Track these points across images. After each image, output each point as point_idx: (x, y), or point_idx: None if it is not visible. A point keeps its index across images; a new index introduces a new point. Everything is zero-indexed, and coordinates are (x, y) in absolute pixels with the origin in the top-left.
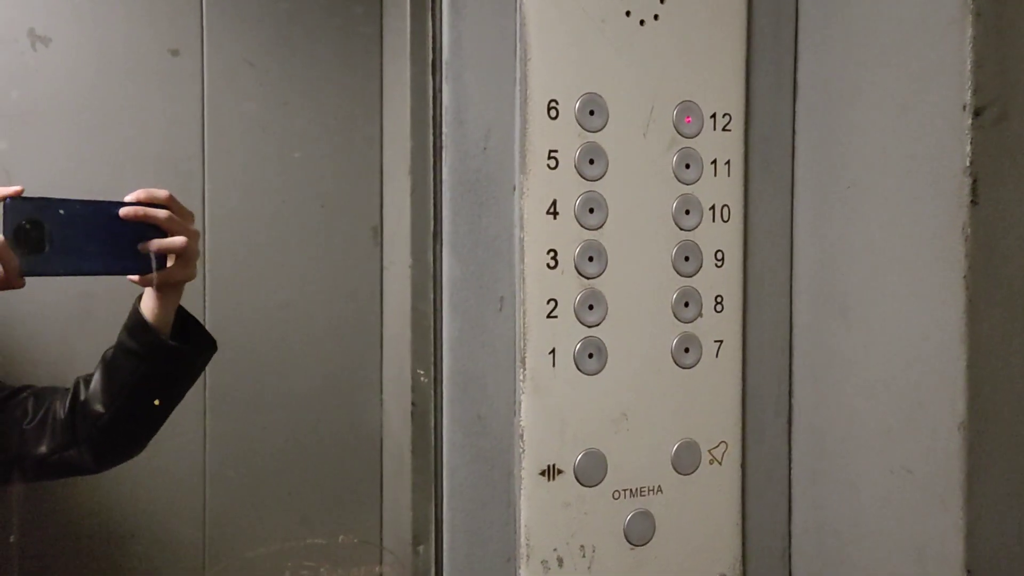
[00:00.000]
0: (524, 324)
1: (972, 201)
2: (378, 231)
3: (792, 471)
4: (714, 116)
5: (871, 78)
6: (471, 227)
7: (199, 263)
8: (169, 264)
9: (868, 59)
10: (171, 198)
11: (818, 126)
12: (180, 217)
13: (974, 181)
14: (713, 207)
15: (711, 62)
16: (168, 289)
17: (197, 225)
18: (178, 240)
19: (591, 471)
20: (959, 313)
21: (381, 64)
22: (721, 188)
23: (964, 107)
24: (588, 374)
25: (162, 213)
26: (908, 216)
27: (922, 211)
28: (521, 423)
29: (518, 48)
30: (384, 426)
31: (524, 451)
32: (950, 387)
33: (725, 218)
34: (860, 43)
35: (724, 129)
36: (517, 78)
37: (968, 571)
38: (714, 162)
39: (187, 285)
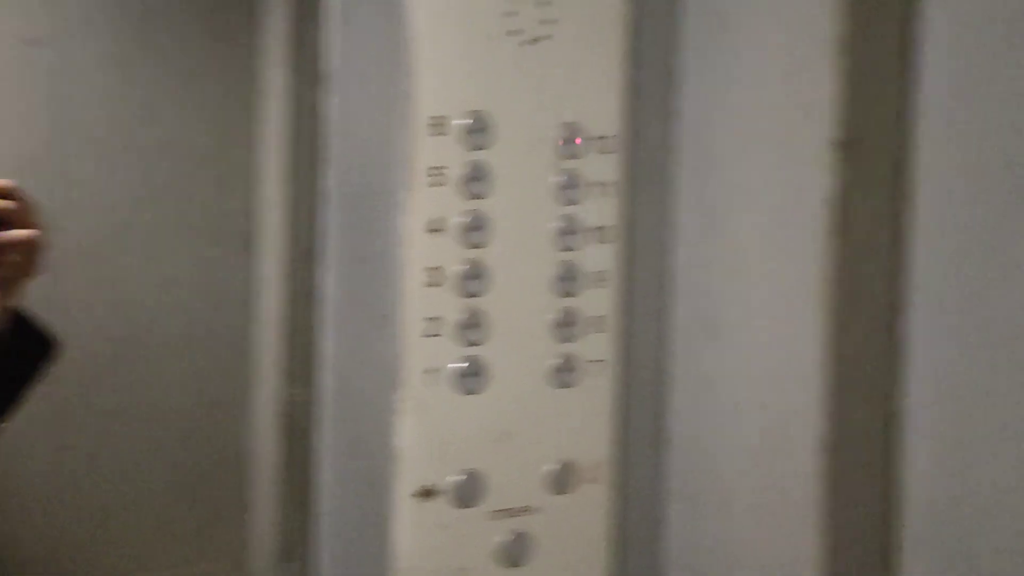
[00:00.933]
0: (404, 343)
1: (834, 232)
2: (249, 241)
3: (667, 492)
4: (597, 138)
5: (745, 109)
6: (353, 243)
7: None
8: (10, 258)
9: (741, 89)
10: (15, 189)
11: (698, 152)
12: (24, 210)
13: (835, 211)
14: (595, 229)
15: (596, 85)
16: (8, 284)
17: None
18: (21, 234)
19: (469, 492)
20: (820, 338)
21: (255, 72)
22: (603, 210)
23: (828, 140)
24: (468, 394)
25: (3, 204)
26: (775, 244)
27: (788, 239)
28: (398, 444)
29: (404, 63)
30: (253, 444)
31: (400, 472)
32: (812, 409)
33: (606, 240)
34: (736, 75)
35: (606, 151)
36: (404, 93)
37: None
38: (596, 184)
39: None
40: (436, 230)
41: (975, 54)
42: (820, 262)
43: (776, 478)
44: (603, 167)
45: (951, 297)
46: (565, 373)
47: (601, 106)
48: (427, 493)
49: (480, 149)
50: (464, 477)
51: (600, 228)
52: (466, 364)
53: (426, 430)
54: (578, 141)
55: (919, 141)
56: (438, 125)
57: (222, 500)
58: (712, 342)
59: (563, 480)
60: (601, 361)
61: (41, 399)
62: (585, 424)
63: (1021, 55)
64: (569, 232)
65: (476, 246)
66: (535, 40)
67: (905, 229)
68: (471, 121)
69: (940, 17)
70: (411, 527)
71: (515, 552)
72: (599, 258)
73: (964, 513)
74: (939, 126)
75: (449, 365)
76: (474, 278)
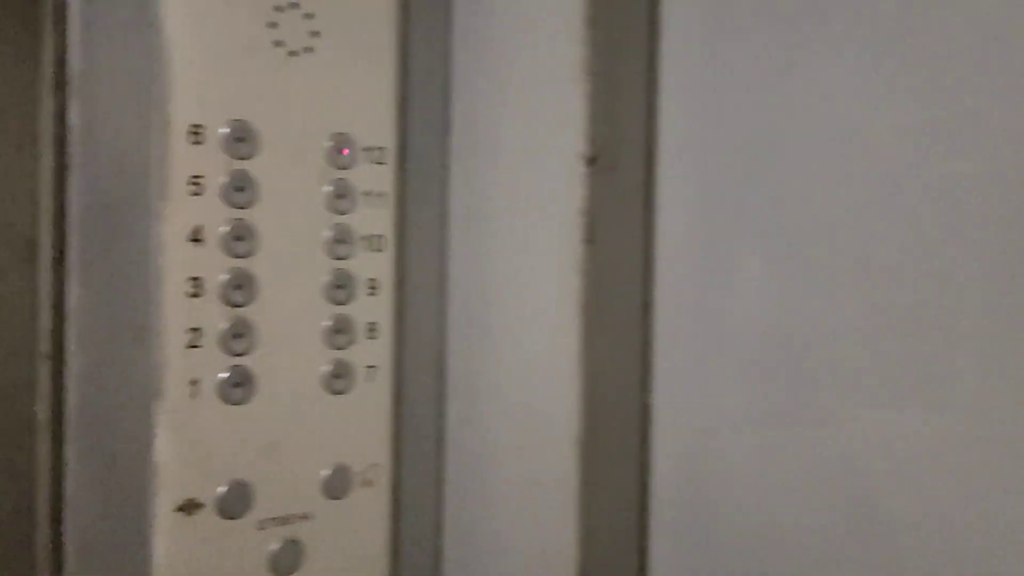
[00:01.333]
0: (163, 355)
1: (587, 240)
2: (35, 251)
3: (443, 491)
4: (368, 149)
5: (507, 124)
6: (103, 253)
7: None
8: None
9: (504, 106)
10: None
11: (467, 163)
12: None
13: (588, 222)
14: (367, 238)
15: (365, 97)
16: None
17: None
18: None
19: (235, 503)
20: (575, 339)
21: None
22: (375, 220)
23: (580, 156)
24: (234, 404)
25: None
26: (537, 252)
27: (548, 248)
28: (156, 459)
29: (158, 69)
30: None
31: (160, 487)
32: (568, 406)
33: (379, 248)
34: (498, 92)
35: (378, 162)
36: (159, 100)
37: (582, 570)
38: (368, 194)
39: None
40: (197, 240)
41: (707, 78)
42: (576, 270)
43: (537, 473)
44: (375, 177)
45: (689, 301)
46: (338, 380)
47: (372, 117)
48: (190, 506)
49: (243, 159)
50: (230, 488)
51: (373, 237)
52: (231, 375)
53: (189, 442)
54: (345, 152)
55: (661, 157)
56: (198, 134)
57: None
58: (484, 346)
59: (337, 485)
60: (375, 367)
61: None
62: (360, 429)
63: (739, 89)
64: (341, 241)
65: (241, 256)
66: (301, 51)
67: (651, 238)
68: (233, 130)
69: (677, 42)
70: (173, 542)
71: (287, 560)
72: (372, 266)
73: (704, 498)
74: (677, 144)
75: (213, 376)
76: (239, 288)
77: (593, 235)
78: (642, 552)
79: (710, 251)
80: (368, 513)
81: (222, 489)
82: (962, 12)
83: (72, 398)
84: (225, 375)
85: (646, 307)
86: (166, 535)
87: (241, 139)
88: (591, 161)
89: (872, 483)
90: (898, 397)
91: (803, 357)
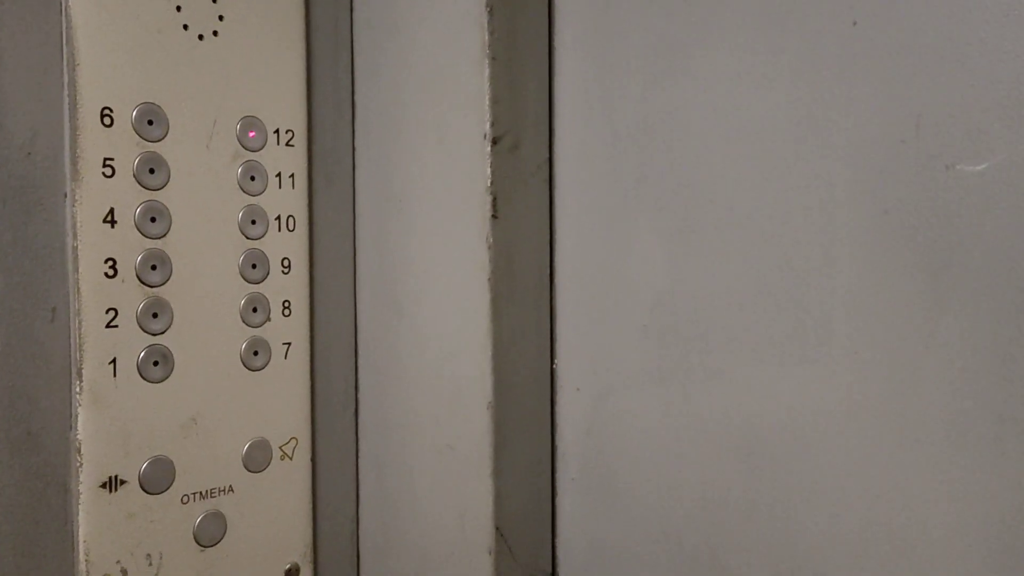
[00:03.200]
0: (81, 335)
1: (493, 216)
2: None
3: (359, 460)
4: (277, 131)
5: (413, 106)
6: (16, 236)
7: None
8: None
9: (410, 89)
10: None
11: (374, 145)
12: None
13: (494, 199)
14: (279, 217)
15: (273, 80)
16: None
17: None
18: None
19: (157, 478)
20: (486, 310)
21: None
22: (286, 200)
23: (485, 136)
24: (153, 382)
25: None
26: (446, 228)
27: (456, 224)
28: (78, 436)
29: (66, 52)
30: None
31: (82, 465)
32: (480, 373)
33: (291, 228)
34: (403, 75)
35: (288, 144)
36: (66, 83)
37: (497, 528)
38: (279, 175)
39: None
40: (111, 221)
41: (602, 60)
42: (483, 244)
43: (451, 438)
44: (285, 159)
45: (588, 271)
46: (255, 356)
47: (281, 101)
48: (113, 483)
49: (155, 141)
50: (152, 464)
51: (285, 217)
52: (149, 353)
53: (110, 420)
54: (252, 134)
55: (560, 136)
56: (108, 116)
57: None
58: (395, 320)
59: (257, 459)
60: (290, 343)
61: None
62: (278, 403)
63: (631, 70)
64: (254, 221)
65: (155, 236)
66: (208, 34)
67: (552, 212)
68: (143, 113)
69: (572, 26)
70: (97, 519)
71: (209, 532)
72: (285, 246)
73: (607, 454)
74: (574, 123)
75: (132, 355)
76: (154, 268)
77: (499, 211)
78: (553, 507)
79: (606, 223)
80: (288, 485)
81: (144, 465)
82: None
83: None
84: (144, 353)
85: (550, 277)
86: (90, 512)
87: (152, 121)
88: (495, 141)
89: (759, 433)
90: (779, 353)
91: (693, 320)
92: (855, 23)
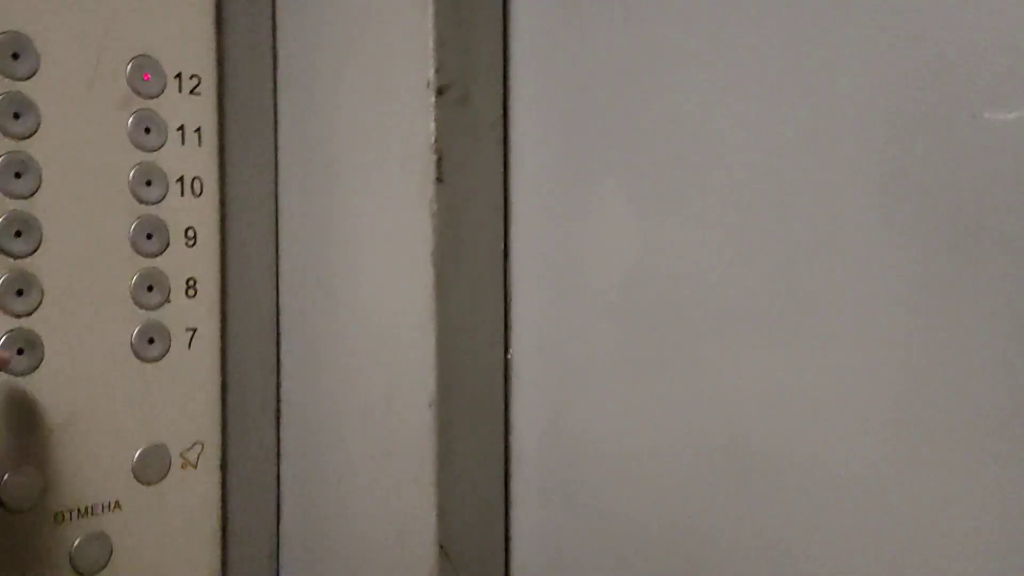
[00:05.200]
0: None
1: (438, 178)
2: None
3: (280, 468)
4: (179, 76)
5: (345, 50)
6: None
7: None
8: None
9: (342, 28)
10: None
11: (299, 98)
12: None
13: (439, 159)
14: (181, 179)
15: (173, 15)
16: None
17: None
18: None
19: (22, 492)
20: (428, 290)
21: None
22: (191, 158)
23: (428, 85)
24: (18, 375)
25: None
26: (383, 194)
27: (394, 188)
28: None
29: None
30: None
31: None
32: (422, 365)
33: (196, 192)
34: (336, 14)
35: (192, 92)
36: None
37: (440, 546)
38: (180, 128)
39: None
40: None
41: (562, 10)
42: (426, 212)
43: (387, 442)
44: (189, 109)
45: (548, 244)
46: (150, 345)
47: (184, 40)
48: None
49: (20, 79)
50: (15, 475)
51: (189, 179)
52: (10, 339)
53: None
54: (147, 77)
55: (515, 88)
56: None
57: None
58: (324, 302)
59: (151, 468)
60: (195, 329)
61: None
62: (180, 401)
63: (603, 11)
64: (148, 183)
65: (19, 196)
66: None
67: (507, 176)
68: (6, 43)
69: None
70: None
71: (90, 558)
72: (188, 213)
73: (573, 457)
74: (533, 73)
75: None
76: (18, 235)
77: (444, 173)
78: (507, 521)
79: (570, 189)
80: (190, 499)
81: (5, 477)
82: None
83: None
84: (4, 339)
85: (504, 252)
86: None
87: (16, 55)
88: (440, 91)
89: (747, 425)
90: (772, 339)
91: (669, 298)
92: None
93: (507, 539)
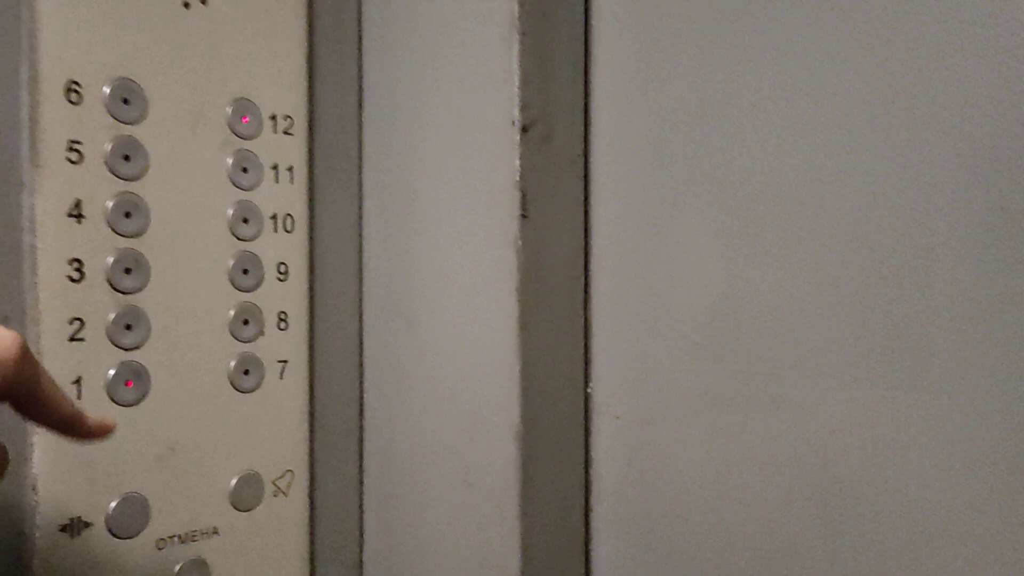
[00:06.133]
0: (38, 349)
1: (522, 214)
2: None
3: (363, 497)
4: (274, 117)
5: (430, 90)
6: None
7: None
8: None
9: (427, 71)
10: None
11: (384, 135)
12: None
13: (523, 195)
14: (275, 216)
15: (269, 59)
16: None
17: None
18: None
19: (128, 520)
20: (513, 323)
21: None
22: (283, 195)
23: (513, 123)
24: (125, 405)
25: None
26: (466, 229)
27: (478, 224)
28: (34, 472)
29: (25, 15)
30: None
31: (38, 505)
32: (505, 396)
33: (288, 228)
34: (419, 53)
35: (286, 132)
36: (24, 52)
37: None
38: (275, 167)
39: None
40: (78, 215)
41: (646, 39)
42: (511, 247)
43: (469, 471)
44: (283, 149)
45: (630, 279)
46: (246, 376)
47: (278, 83)
48: (76, 526)
49: (131, 123)
50: (122, 503)
51: (282, 215)
52: (121, 371)
53: (72, 452)
54: (245, 119)
55: (597, 125)
56: (76, 92)
57: None
58: (406, 335)
59: (246, 496)
60: (286, 361)
61: None
62: (272, 431)
63: (683, 47)
64: (244, 220)
65: (130, 235)
66: (196, 2)
67: (588, 211)
68: (118, 90)
69: (610, 4)
70: (56, 567)
71: None
72: (281, 249)
73: (652, 492)
74: (615, 111)
75: (100, 373)
76: (128, 272)
77: (529, 209)
78: (587, 553)
79: (652, 225)
80: (282, 526)
81: (113, 504)
82: None
83: None
84: (114, 371)
85: (585, 287)
86: (48, 560)
87: (127, 100)
88: (525, 129)
89: (839, 469)
90: (865, 377)
91: (756, 336)
92: None
93: (587, 571)
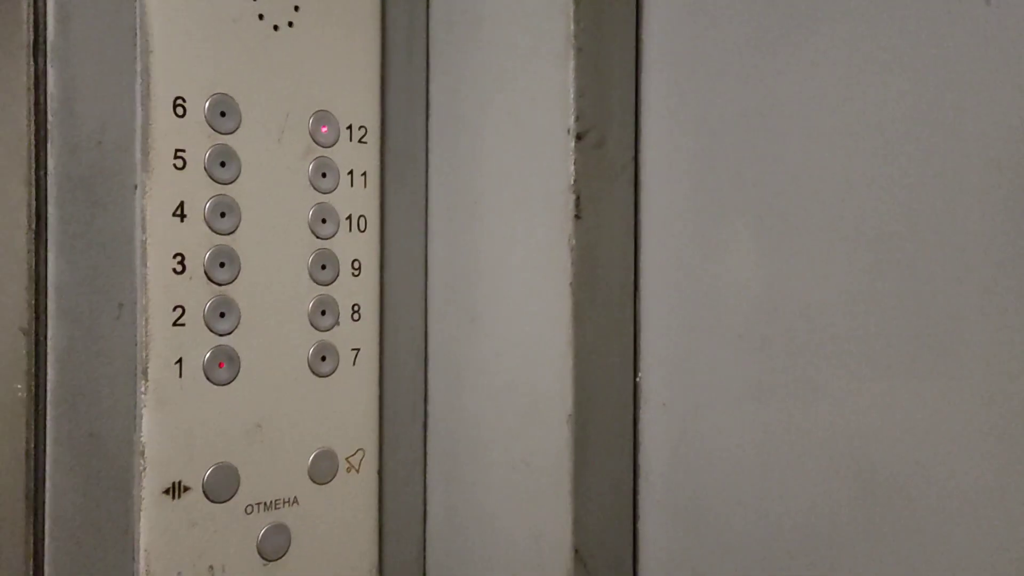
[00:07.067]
0: (147, 333)
1: (576, 216)
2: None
3: (427, 475)
4: (350, 127)
5: (491, 101)
6: (84, 227)
7: None
8: None
9: (488, 83)
10: None
11: (448, 142)
12: None
13: (577, 198)
14: (350, 217)
15: (346, 74)
16: None
17: None
18: None
19: (221, 486)
20: (567, 317)
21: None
22: (357, 198)
23: (568, 131)
24: (219, 384)
25: None
26: (524, 229)
27: (535, 225)
28: (142, 439)
29: (139, 39)
30: None
31: (145, 469)
32: (560, 384)
33: (362, 228)
34: (481, 68)
35: (360, 141)
36: (139, 71)
37: (576, 551)
38: (350, 172)
39: None
40: (180, 215)
41: (692, 51)
42: (565, 246)
43: (526, 452)
44: (358, 156)
45: (676, 276)
46: (323, 362)
47: (354, 96)
48: (177, 489)
49: (226, 133)
50: (216, 471)
51: (356, 217)
52: (215, 354)
53: (174, 423)
54: (324, 129)
55: (646, 132)
56: (180, 106)
57: None
58: (468, 327)
59: (323, 470)
60: (359, 349)
61: None
62: (345, 412)
63: (726, 61)
64: (323, 220)
65: (224, 232)
66: (283, 25)
67: (638, 213)
68: (216, 104)
69: (661, 16)
70: (159, 526)
71: (274, 546)
72: (355, 246)
73: (696, 477)
74: (662, 118)
75: (198, 355)
76: (222, 265)
77: (582, 210)
78: (635, 534)
79: (696, 225)
80: (354, 499)
81: (208, 472)
82: None
83: (53, 375)
84: (210, 354)
85: (634, 283)
86: (152, 519)
87: (224, 113)
88: (579, 137)
89: (876, 458)
90: (900, 366)
91: (796, 329)
92: (988, 1)
93: (635, 551)
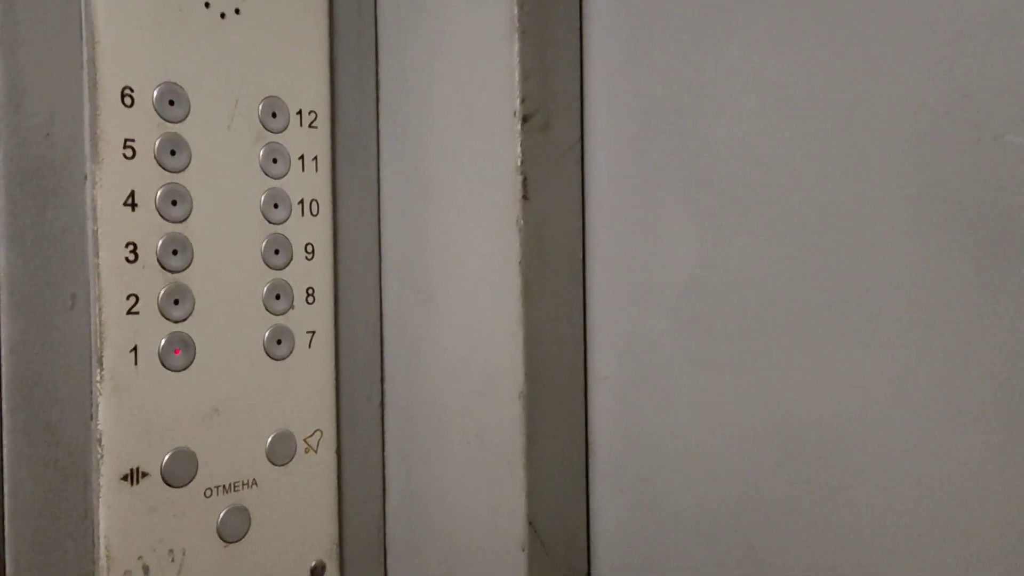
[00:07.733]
0: (101, 322)
1: (524, 196)
2: None
3: (386, 453)
4: (300, 112)
5: (440, 84)
6: (35, 219)
7: None
8: None
9: (436, 67)
10: None
11: (399, 125)
12: None
13: (524, 179)
14: (302, 201)
15: (295, 59)
16: None
17: None
18: None
19: (180, 471)
20: (517, 295)
21: None
22: (309, 183)
23: (515, 114)
24: (175, 370)
25: None
26: (474, 210)
27: (485, 205)
28: (99, 427)
29: (85, 29)
30: None
31: (103, 456)
32: (511, 361)
33: (314, 212)
34: (429, 52)
35: (311, 126)
36: (85, 61)
37: (530, 522)
38: (301, 157)
39: None
40: (132, 204)
41: (633, 36)
42: (514, 226)
43: (480, 428)
44: (308, 141)
45: (620, 254)
46: (278, 345)
47: (304, 81)
48: (135, 475)
49: (175, 122)
50: (174, 456)
51: (308, 201)
52: (170, 341)
53: (131, 410)
54: (274, 115)
55: (590, 114)
56: (128, 96)
57: None
58: (422, 307)
59: (281, 452)
60: (314, 332)
61: None
62: (302, 394)
63: (663, 43)
64: (275, 205)
65: (176, 220)
66: (230, 12)
67: (584, 193)
68: (164, 93)
69: (602, 1)
70: (119, 512)
71: (234, 528)
72: (308, 231)
73: (641, 445)
74: (605, 100)
75: (153, 342)
76: (175, 253)
77: (530, 191)
78: (587, 500)
79: (637, 204)
80: (313, 479)
81: (166, 457)
82: None
83: (7, 367)
84: (165, 341)
85: (582, 261)
86: (111, 505)
87: (173, 101)
88: (525, 119)
89: (800, 423)
90: (823, 338)
91: (729, 304)
92: None
93: (588, 520)
